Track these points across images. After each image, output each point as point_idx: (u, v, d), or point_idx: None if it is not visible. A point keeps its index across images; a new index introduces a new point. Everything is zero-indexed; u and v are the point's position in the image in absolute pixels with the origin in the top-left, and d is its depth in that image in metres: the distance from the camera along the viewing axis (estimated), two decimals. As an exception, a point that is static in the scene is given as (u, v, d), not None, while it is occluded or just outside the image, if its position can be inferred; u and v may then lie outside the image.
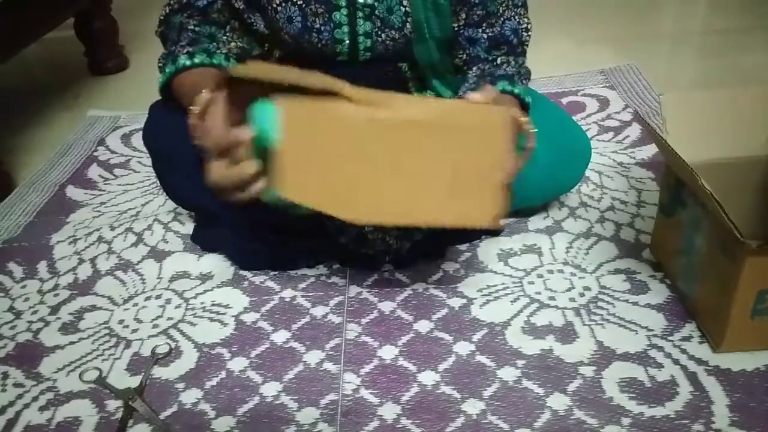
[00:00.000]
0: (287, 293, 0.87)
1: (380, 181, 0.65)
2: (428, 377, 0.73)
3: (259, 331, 0.82)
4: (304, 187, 0.63)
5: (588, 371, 0.72)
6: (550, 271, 0.88)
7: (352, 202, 0.65)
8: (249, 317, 0.84)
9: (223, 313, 0.85)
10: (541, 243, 0.93)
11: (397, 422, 0.68)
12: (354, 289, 0.87)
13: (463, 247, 0.93)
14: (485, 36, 0.87)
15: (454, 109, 0.68)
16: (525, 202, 0.96)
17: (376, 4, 0.82)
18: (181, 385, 0.75)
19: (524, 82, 0.87)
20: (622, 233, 0.94)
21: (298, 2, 0.81)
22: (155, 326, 0.84)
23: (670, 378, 0.71)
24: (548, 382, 0.71)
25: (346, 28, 0.83)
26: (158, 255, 0.97)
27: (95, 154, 1.30)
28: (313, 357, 0.77)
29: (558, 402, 0.69)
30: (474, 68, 0.88)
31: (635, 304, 0.81)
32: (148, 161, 1.22)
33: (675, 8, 2.00)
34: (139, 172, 1.23)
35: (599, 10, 1.92)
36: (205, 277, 0.92)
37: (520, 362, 0.74)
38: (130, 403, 0.71)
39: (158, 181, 1.00)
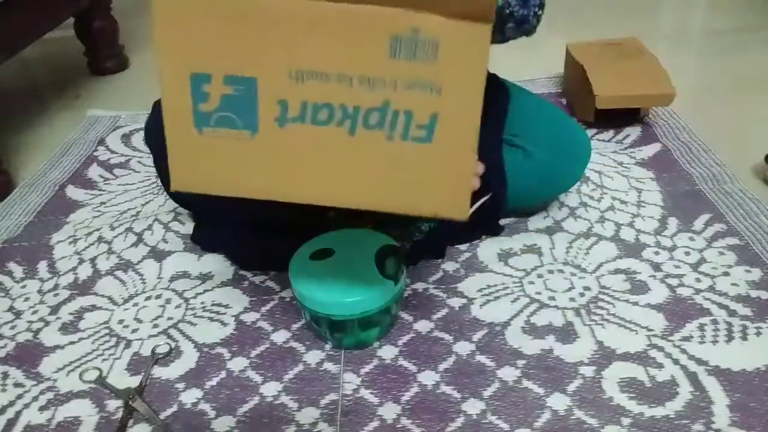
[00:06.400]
0: (287, 293, 0.87)
1: None
2: (428, 377, 0.73)
3: (259, 331, 0.82)
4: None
5: (588, 371, 0.72)
6: (550, 271, 0.88)
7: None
8: (249, 317, 0.84)
9: (223, 313, 0.85)
10: (541, 243, 0.93)
11: (397, 422, 0.68)
12: (354, 289, 0.87)
13: (463, 247, 0.93)
14: None
15: None
16: (524, 202, 0.96)
17: None
18: (181, 385, 0.75)
19: None
20: (622, 233, 0.94)
21: None
22: (155, 326, 0.84)
23: (670, 378, 0.71)
24: (548, 382, 0.71)
25: None
26: (158, 255, 0.97)
27: (95, 153, 1.30)
28: (313, 357, 0.77)
29: (558, 402, 0.69)
30: None
31: (635, 304, 0.81)
32: (148, 161, 1.23)
33: (675, 8, 2.00)
34: (139, 172, 1.23)
35: (598, 10, 1.92)
36: (205, 277, 0.92)
37: (520, 362, 0.74)
38: (130, 403, 0.71)
39: (159, 180, 1.00)
